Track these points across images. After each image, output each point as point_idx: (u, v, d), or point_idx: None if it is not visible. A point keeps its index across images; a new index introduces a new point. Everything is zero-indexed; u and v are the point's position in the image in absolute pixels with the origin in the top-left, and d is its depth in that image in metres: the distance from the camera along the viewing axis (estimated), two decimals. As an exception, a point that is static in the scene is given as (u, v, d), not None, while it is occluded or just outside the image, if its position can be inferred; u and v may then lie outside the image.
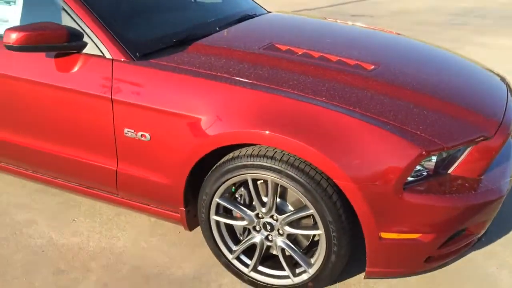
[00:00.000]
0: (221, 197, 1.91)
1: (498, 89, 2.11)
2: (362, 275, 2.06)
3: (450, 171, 1.78)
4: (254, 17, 2.69)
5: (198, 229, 2.14)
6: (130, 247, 2.28)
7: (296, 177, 1.70)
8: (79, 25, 1.99)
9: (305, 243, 1.94)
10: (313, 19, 2.95)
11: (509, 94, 2.13)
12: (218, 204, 1.93)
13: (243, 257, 2.00)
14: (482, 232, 1.92)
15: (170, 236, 2.35)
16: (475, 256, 2.20)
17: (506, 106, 1.96)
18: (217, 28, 2.35)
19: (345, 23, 2.90)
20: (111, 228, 2.41)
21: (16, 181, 2.80)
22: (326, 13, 8.60)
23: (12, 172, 2.48)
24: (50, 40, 1.91)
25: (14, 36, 1.86)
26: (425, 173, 1.73)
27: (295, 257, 1.88)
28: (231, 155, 1.84)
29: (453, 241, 1.82)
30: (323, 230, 1.75)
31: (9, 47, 1.88)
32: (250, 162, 1.77)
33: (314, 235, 1.90)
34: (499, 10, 9.45)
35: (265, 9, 2.98)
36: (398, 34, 2.75)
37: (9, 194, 2.68)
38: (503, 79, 2.30)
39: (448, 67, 2.26)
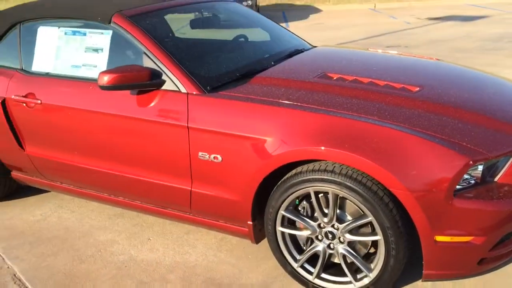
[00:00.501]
0: (286, 209, 2.14)
1: None
2: (417, 283, 2.21)
3: (496, 179, 1.95)
4: (303, 51, 2.99)
5: (261, 245, 2.37)
6: (202, 261, 2.52)
7: (355, 187, 1.91)
8: (158, 66, 2.33)
9: (363, 251, 2.12)
10: (357, 50, 3.23)
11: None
12: (283, 217, 2.16)
13: (307, 266, 2.20)
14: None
15: (237, 251, 2.58)
16: None
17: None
18: (272, 63, 2.66)
19: (387, 52, 3.15)
20: (182, 245, 2.67)
21: (96, 208, 3.13)
22: (363, 45, 8.88)
23: (95, 198, 2.81)
24: (135, 80, 2.25)
25: (106, 78, 2.21)
26: (473, 181, 1.91)
27: (356, 262, 2.07)
28: (294, 171, 2.08)
29: (504, 244, 1.96)
30: (381, 235, 1.94)
31: (103, 87, 2.23)
32: (312, 176, 2.00)
33: (371, 244, 2.09)
34: (535, 33, 9.48)
35: (311, 44, 3.28)
36: (438, 59, 2.97)
37: (91, 219, 3.01)
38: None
39: (486, 86, 2.46)
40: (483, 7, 14.74)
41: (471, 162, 1.82)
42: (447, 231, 1.87)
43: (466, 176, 1.89)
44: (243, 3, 12.43)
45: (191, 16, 3.33)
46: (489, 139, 1.92)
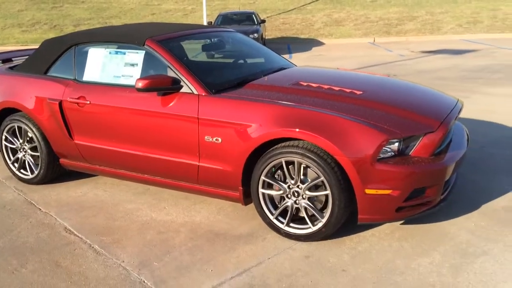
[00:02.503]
0: (265, 175, 3.01)
1: (445, 103, 3.19)
2: (352, 236, 3.05)
3: (410, 153, 2.82)
4: (286, 68, 3.93)
5: (249, 211, 3.22)
6: (205, 220, 3.38)
7: (312, 156, 2.79)
8: (177, 75, 3.27)
9: (319, 206, 2.97)
10: (327, 68, 4.17)
11: (457, 107, 3.20)
12: (263, 181, 3.03)
13: (280, 218, 3.05)
14: (438, 198, 2.90)
15: (231, 215, 3.43)
16: (441, 223, 3.15)
17: (449, 113, 3.02)
18: (263, 75, 3.59)
19: (348, 70, 4.08)
20: (190, 211, 3.53)
21: (124, 187, 4.01)
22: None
23: (126, 176, 3.69)
24: (162, 84, 3.18)
25: (141, 83, 3.14)
26: (392, 153, 2.78)
27: (314, 212, 2.91)
28: (271, 148, 2.96)
29: (415, 198, 2.81)
30: (329, 190, 2.80)
31: (139, 89, 3.16)
32: (283, 150, 2.88)
33: (324, 201, 2.94)
34: (515, 66, 10.41)
35: (294, 64, 4.22)
36: (387, 75, 3.89)
37: (121, 195, 3.89)
38: (459, 101, 3.38)
39: (410, 91, 3.41)
40: (476, 42, 15.78)
41: (388, 138, 2.70)
42: (373, 186, 2.73)
43: (386, 149, 2.76)
44: (250, 35, 13.59)
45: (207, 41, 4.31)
46: (402, 124, 2.81)
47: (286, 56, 14.22)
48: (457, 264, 2.70)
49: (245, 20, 15.26)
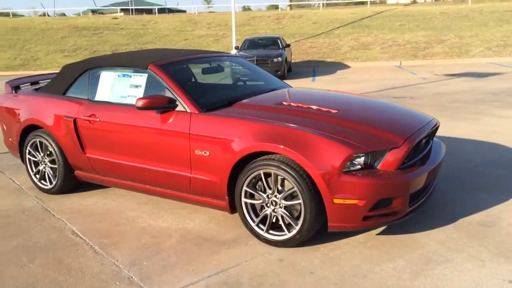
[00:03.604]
0: (247, 186, 3.30)
1: (414, 122, 3.43)
2: (327, 244, 3.28)
3: (377, 166, 3.06)
4: (278, 89, 4.26)
5: (238, 219, 3.51)
6: (196, 227, 3.69)
7: (286, 169, 3.07)
8: (174, 95, 3.65)
9: (295, 214, 3.23)
10: (315, 90, 4.47)
11: (429, 126, 3.42)
12: (246, 191, 3.33)
13: (260, 225, 3.33)
14: (405, 210, 3.11)
15: (222, 223, 3.74)
16: (414, 234, 3.34)
17: (416, 131, 3.25)
18: (253, 96, 3.93)
19: (331, 90, 4.36)
20: (185, 219, 3.86)
21: (130, 198, 4.40)
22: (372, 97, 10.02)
23: (131, 187, 4.07)
24: (159, 104, 3.57)
25: (141, 102, 3.54)
26: (359, 166, 3.03)
27: (289, 220, 3.18)
28: (252, 161, 3.27)
29: (381, 209, 3.03)
30: (301, 200, 3.07)
31: (138, 108, 3.56)
32: (262, 163, 3.18)
33: (300, 210, 3.19)
34: (537, 88, 10.31)
35: (289, 85, 4.54)
36: (364, 94, 4.15)
37: (126, 205, 4.27)
38: (434, 120, 3.59)
39: (383, 110, 3.66)
40: (503, 65, 15.62)
41: (354, 152, 2.96)
42: (340, 196, 2.98)
43: (354, 162, 3.02)
44: (274, 59, 14.04)
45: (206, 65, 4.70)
46: (369, 140, 3.06)
47: (309, 78, 14.57)
48: (418, 270, 2.89)
49: (271, 44, 15.75)
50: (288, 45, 16.45)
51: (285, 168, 3.08)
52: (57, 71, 4.70)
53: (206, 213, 3.95)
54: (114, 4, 50.73)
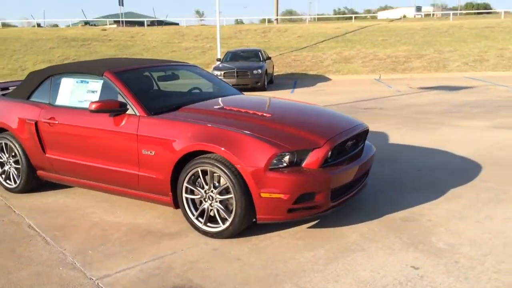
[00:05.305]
0: (187, 182, 3.61)
1: (339, 125, 3.77)
2: (260, 236, 3.59)
3: (302, 164, 3.39)
4: (227, 96, 4.60)
5: (182, 216, 3.81)
6: (146, 222, 3.97)
7: (219, 166, 3.38)
8: (125, 99, 3.96)
9: (231, 208, 3.53)
10: (257, 97, 4.84)
11: (355, 129, 3.76)
12: (186, 187, 3.63)
13: (200, 218, 3.63)
14: (327, 204, 3.42)
15: (170, 219, 4.02)
16: (340, 227, 3.65)
17: (339, 133, 3.58)
18: (200, 101, 4.26)
19: (280, 98, 4.70)
20: (137, 215, 4.14)
21: (89, 196, 4.67)
22: (344, 108, 10.40)
23: (88, 185, 4.36)
24: (110, 107, 3.88)
25: (94, 105, 3.85)
26: (284, 164, 3.35)
27: (223, 213, 3.48)
28: (191, 159, 3.58)
29: (305, 202, 3.35)
30: (233, 194, 3.37)
31: (91, 111, 3.86)
32: (199, 161, 3.49)
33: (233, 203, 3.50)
34: (502, 101, 10.75)
35: (242, 92, 4.87)
36: (298, 100, 4.52)
37: (84, 202, 4.55)
38: (362, 124, 3.94)
39: (313, 114, 4.02)
40: (477, 80, 16.14)
41: (278, 151, 3.29)
42: (266, 190, 3.29)
43: (282, 160, 3.33)
44: (254, 71, 14.43)
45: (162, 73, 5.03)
46: (293, 140, 3.39)
47: (289, 90, 14.96)
48: (334, 257, 3.20)
49: (253, 57, 16.16)
50: (269, 58, 16.88)
51: (218, 165, 3.39)
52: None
53: (157, 209, 4.24)
54: (106, 16, 51.25)
